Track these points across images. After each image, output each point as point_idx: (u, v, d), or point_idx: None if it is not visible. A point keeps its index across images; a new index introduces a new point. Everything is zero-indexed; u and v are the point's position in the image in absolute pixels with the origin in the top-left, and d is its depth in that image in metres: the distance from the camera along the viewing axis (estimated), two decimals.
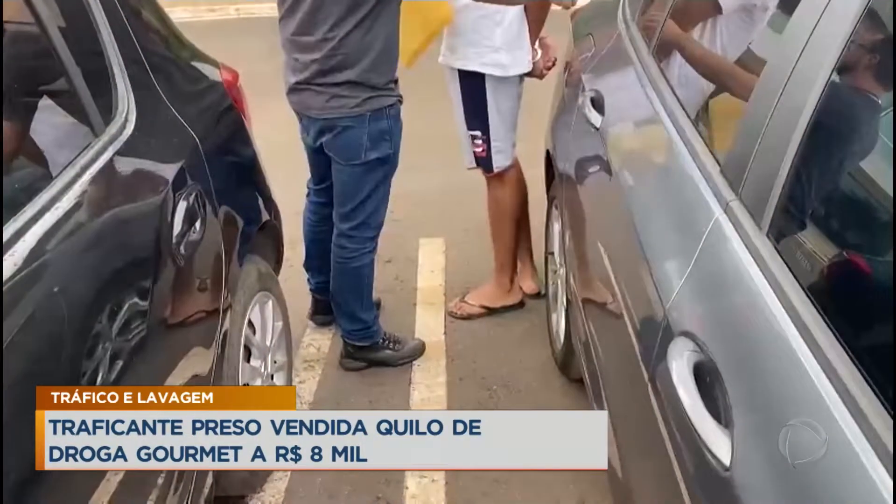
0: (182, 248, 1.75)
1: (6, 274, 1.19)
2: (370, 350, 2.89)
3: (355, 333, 2.85)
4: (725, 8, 1.76)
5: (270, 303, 2.43)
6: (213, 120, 2.15)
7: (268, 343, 2.42)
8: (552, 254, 2.99)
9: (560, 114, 2.70)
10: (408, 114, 2.69)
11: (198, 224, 1.85)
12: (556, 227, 2.83)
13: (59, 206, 1.38)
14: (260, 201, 2.38)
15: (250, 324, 2.26)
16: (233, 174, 2.25)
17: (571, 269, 2.31)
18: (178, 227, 1.76)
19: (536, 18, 2.80)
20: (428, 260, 3.71)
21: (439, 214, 4.13)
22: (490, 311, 3.21)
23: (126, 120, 1.73)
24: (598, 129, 2.02)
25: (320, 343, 3.12)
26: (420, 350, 2.99)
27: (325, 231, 2.82)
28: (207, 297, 1.93)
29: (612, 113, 2.00)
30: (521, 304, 3.25)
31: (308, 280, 3.08)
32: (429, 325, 3.21)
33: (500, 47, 2.73)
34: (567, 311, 2.54)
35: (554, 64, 2.96)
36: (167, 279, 1.71)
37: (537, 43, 2.89)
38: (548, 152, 2.85)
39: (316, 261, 2.97)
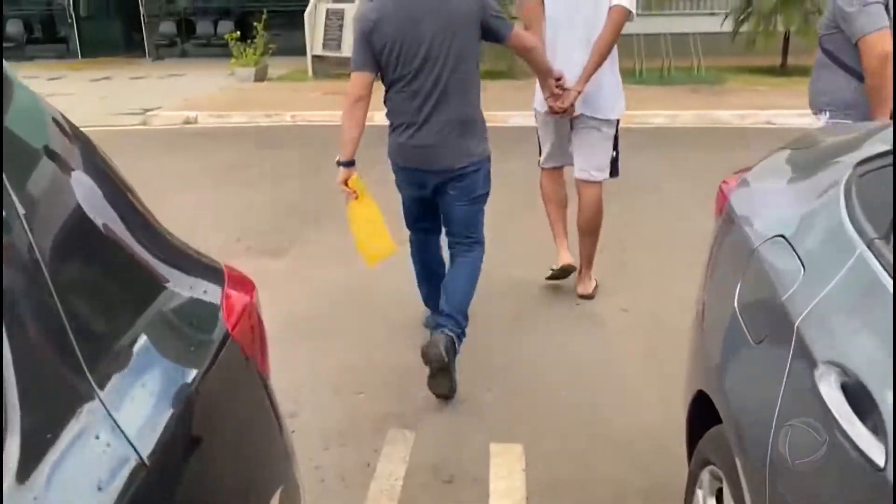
0: None
1: None
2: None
3: (464, 324, 3.24)
4: None
5: None
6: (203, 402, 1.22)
7: None
8: None
9: (736, 365, 1.75)
10: None
11: None
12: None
13: None
14: None
15: None
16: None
17: None
18: None
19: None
20: (503, 482, 2.75)
21: (515, 404, 3.23)
22: None
23: None
24: (881, 469, 1.10)
25: None
26: None
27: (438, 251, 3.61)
28: None
29: None
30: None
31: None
32: None
33: None
34: None
35: (565, 110, 3.83)
36: None
37: (554, 86, 3.73)
38: (700, 394, 1.93)
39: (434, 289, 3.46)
